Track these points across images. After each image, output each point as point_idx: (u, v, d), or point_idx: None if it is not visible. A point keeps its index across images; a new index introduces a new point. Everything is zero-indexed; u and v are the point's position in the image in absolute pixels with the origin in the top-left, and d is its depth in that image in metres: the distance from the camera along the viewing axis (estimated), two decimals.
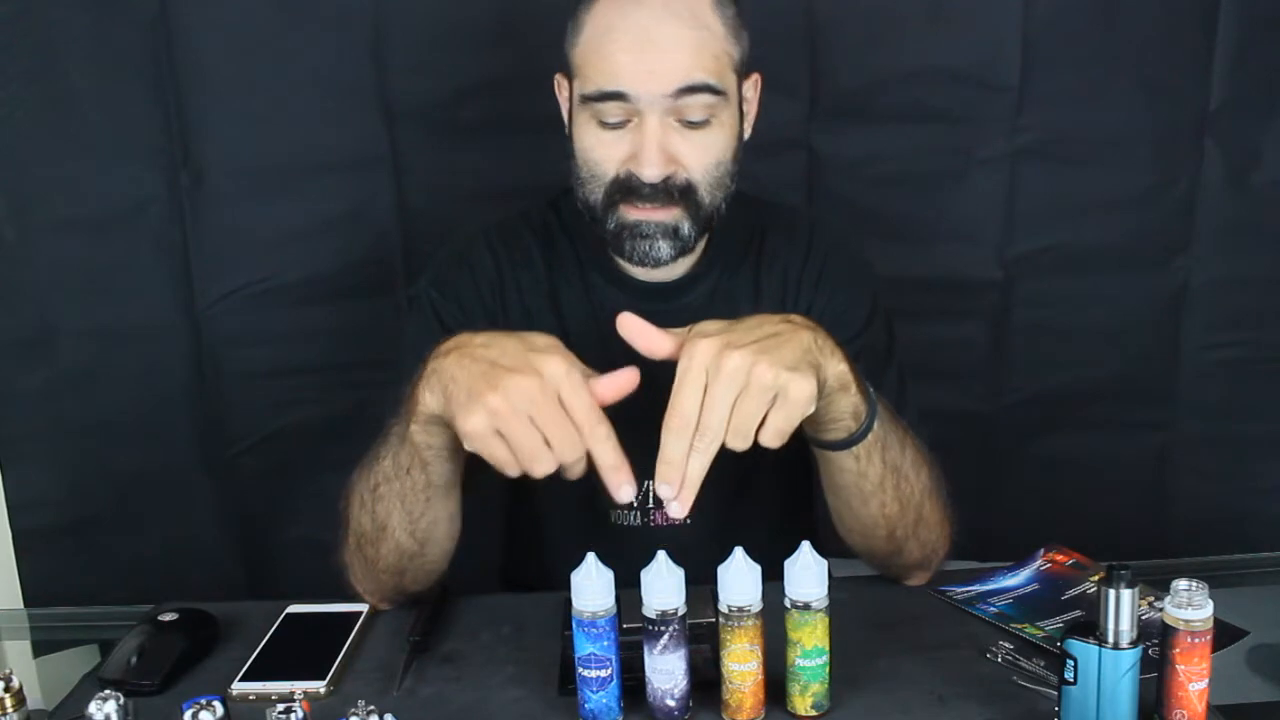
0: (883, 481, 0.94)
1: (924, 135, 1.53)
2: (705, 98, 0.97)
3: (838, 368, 0.85)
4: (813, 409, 0.82)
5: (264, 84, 1.47)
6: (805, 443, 1.14)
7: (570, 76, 1.03)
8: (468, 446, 0.83)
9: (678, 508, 0.80)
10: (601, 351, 1.10)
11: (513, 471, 0.81)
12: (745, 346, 0.79)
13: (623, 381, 0.83)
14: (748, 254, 1.12)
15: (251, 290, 1.52)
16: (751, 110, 1.08)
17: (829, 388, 0.85)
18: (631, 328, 0.85)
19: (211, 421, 1.55)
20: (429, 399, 0.85)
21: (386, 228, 1.54)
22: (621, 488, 0.81)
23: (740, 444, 0.80)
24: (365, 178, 1.52)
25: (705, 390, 0.78)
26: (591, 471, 1.13)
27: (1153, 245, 1.57)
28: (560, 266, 1.12)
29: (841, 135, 1.53)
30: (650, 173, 0.97)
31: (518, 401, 0.79)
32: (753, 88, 1.07)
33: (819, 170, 1.55)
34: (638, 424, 1.10)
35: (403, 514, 0.94)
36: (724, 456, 1.16)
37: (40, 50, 1.41)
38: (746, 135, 1.07)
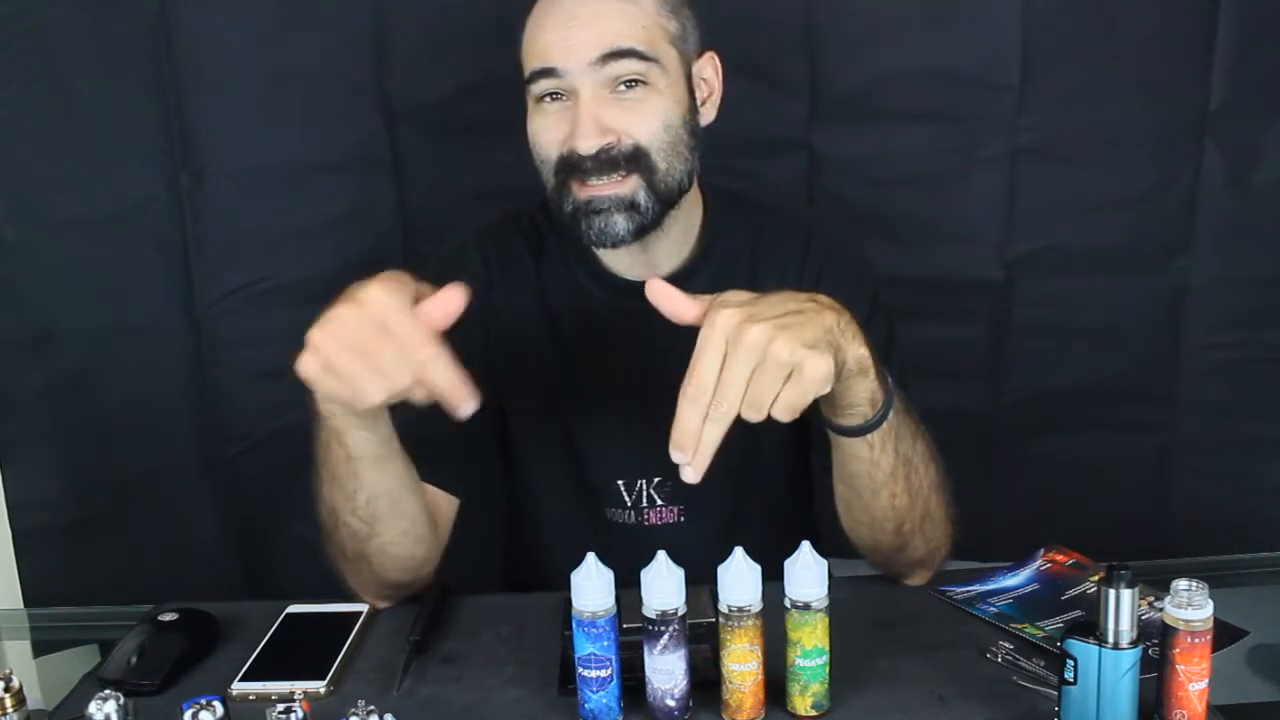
0: (894, 472, 0.94)
1: (924, 135, 1.53)
2: (633, 63, 0.98)
3: (858, 351, 0.85)
4: (828, 389, 0.82)
5: (264, 84, 1.47)
6: (806, 443, 1.15)
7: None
8: (314, 391, 0.83)
9: (691, 473, 0.80)
10: (591, 351, 1.10)
11: (357, 404, 0.81)
12: (767, 320, 0.79)
13: (448, 299, 0.82)
14: (743, 253, 1.12)
15: (251, 290, 1.52)
16: (714, 90, 1.08)
17: (848, 371, 0.85)
18: (659, 291, 0.84)
19: (211, 421, 1.55)
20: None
21: (386, 228, 1.54)
22: (461, 405, 0.80)
23: (754, 416, 0.80)
24: (365, 178, 1.52)
25: (724, 361, 0.78)
26: (583, 470, 1.13)
27: (1153, 245, 1.57)
28: (549, 267, 1.12)
29: (841, 135, 1.53)
30: (584, 144, 0.98)
31: (338, 334, 0.80)
32: (710, 66, 1.07)
33: (819, 170, 1.55)
34: (629, 425, 1.10)
35: (341, 494, 0.94)
36: (720, 452, 1.16)
37: (40, 50, 1.41)
38: (710, 116, 1.07)
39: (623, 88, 0.99)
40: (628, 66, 0.98)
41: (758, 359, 0.78)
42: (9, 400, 1.49)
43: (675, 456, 0.80)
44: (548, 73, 0.99)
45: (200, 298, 1.51)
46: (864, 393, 0.88)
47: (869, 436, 0.91)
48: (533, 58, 1.00)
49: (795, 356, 0.78)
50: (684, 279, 1.10)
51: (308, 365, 0.81)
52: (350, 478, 0.92)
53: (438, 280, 1.11)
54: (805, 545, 0.82)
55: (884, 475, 0.94)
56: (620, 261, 1.08)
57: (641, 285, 1.08)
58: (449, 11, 1.48)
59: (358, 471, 0.92)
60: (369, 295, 0.80)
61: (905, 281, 1.48)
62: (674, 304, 0.84)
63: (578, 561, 0.82)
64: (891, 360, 1.10)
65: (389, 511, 0.96)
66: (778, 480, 1.17)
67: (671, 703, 0.83)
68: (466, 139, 1.52)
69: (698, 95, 1.06)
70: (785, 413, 0.80)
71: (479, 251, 1.13)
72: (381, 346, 0.79)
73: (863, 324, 1.06)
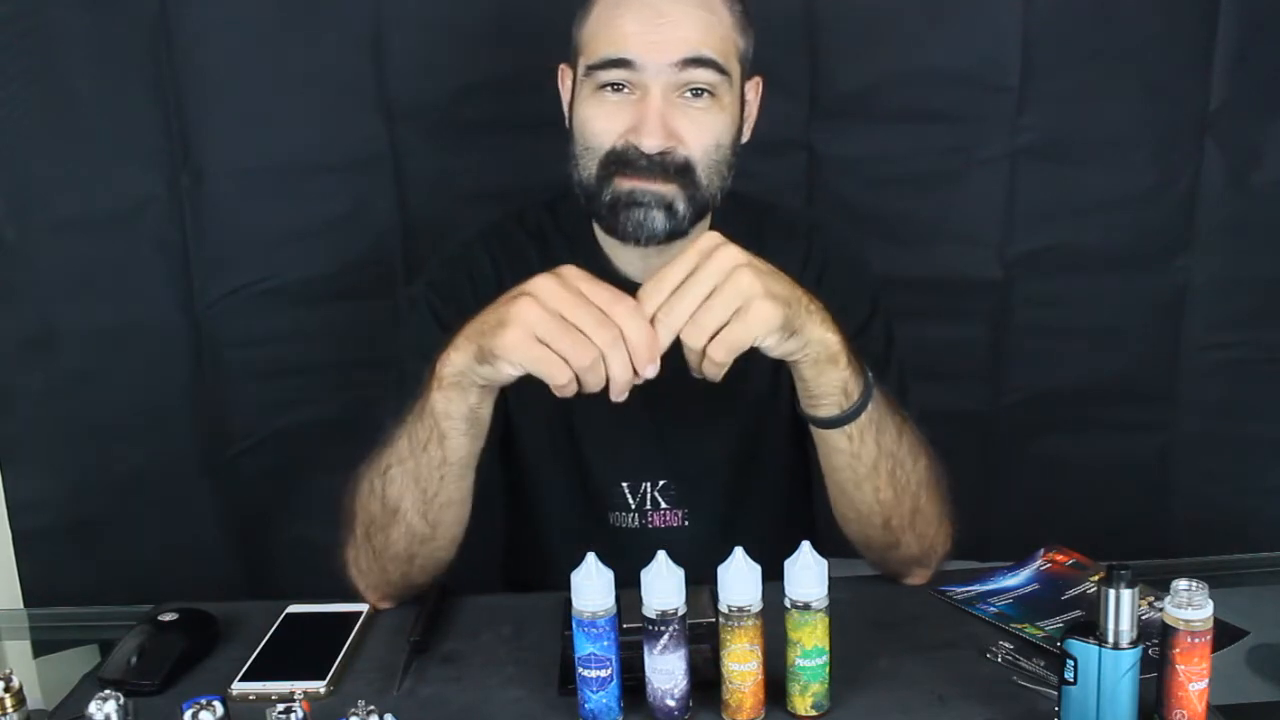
0: (876, 465, 0.94)
1: (924, 135, 1.53)
2: (709, 73, 0.98)
3: (824, 336, 0.87)
4: (770, 341, 0.84)
5: (264, 84, 1.47)
6: (805, 443, 1.15)
7: (576, 58, 1.03)
8: (512, 366, 0.83)
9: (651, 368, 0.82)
10: None
11: (563, 378, 0.81)
12: (745, 257, 0.83)
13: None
14: None
15: (251, 290, 1.52)
16: (752, 113, 1.08)
17: (813, 354, 0.87)
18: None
19: (211, 421, 1.55)
20: (455, 358, 0.87)
21: (386, 228, 1.54)
22: (647, 367, 0.81)
23: (695, 339, 0.82)
24: (365, 178, 1.52)
25: (691, 274, 0.82)
26: (587, 473, 1.14)
27: (1153, 245, 1.57)
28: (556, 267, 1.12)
29: (841, 135, 1.53)
30: (650, 143, 0.98)
31: (546, 300, 0.81)
32: (754, 89, 1.07)
33: (819, 170, 1.55)
34: (632, 428, 1.10)
35: (416, 494, 0.94)
36: (723, 455, 1.16)
37: (40, 50, 1.41)
38: (746, 137, 1.07)
39: (690, 95, 0.99)
40: (703, 76, 0.98)
41: (720, 280, 0.81)
42: (9, 400, 1.49)
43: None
44: (623, 63, 0.97)
45: (200, 298, 1.51)
46: (835, 382, 0.89)
47: (847, 428, 0.92)
48: (608, 44, 0.98)
49: (751, 291, 0.81)
50: None
51: (515, 336, 0.82)
52: (435, 481, 0.93)
53: (445, 280, 1.12)
54: (805, 545, 0.82)
55: (865, 468, 0.94)
56: (631, 264, 1.08)
57: None
58: (449, 11, 1.48)
59: (445, 476, 0.93)
60: (560, 270, 0.83)
61: (905, 281, 1.48)
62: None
63: (579, 562, 0.82)
64: (891, 362, 1.10)
65: (454, 519, 0.98)
66: (778, 481, 1.18)
67: (671, 703, 0.83)
68: (466, 139, 1.52)
69: (744, 111, 1.06)
70: (723, 350, 0.82)
71: (486, 251, 1.12)
72: (585, 308, 0.81)
73: (859, 331, 1.07)
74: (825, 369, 0.88)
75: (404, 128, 1.50)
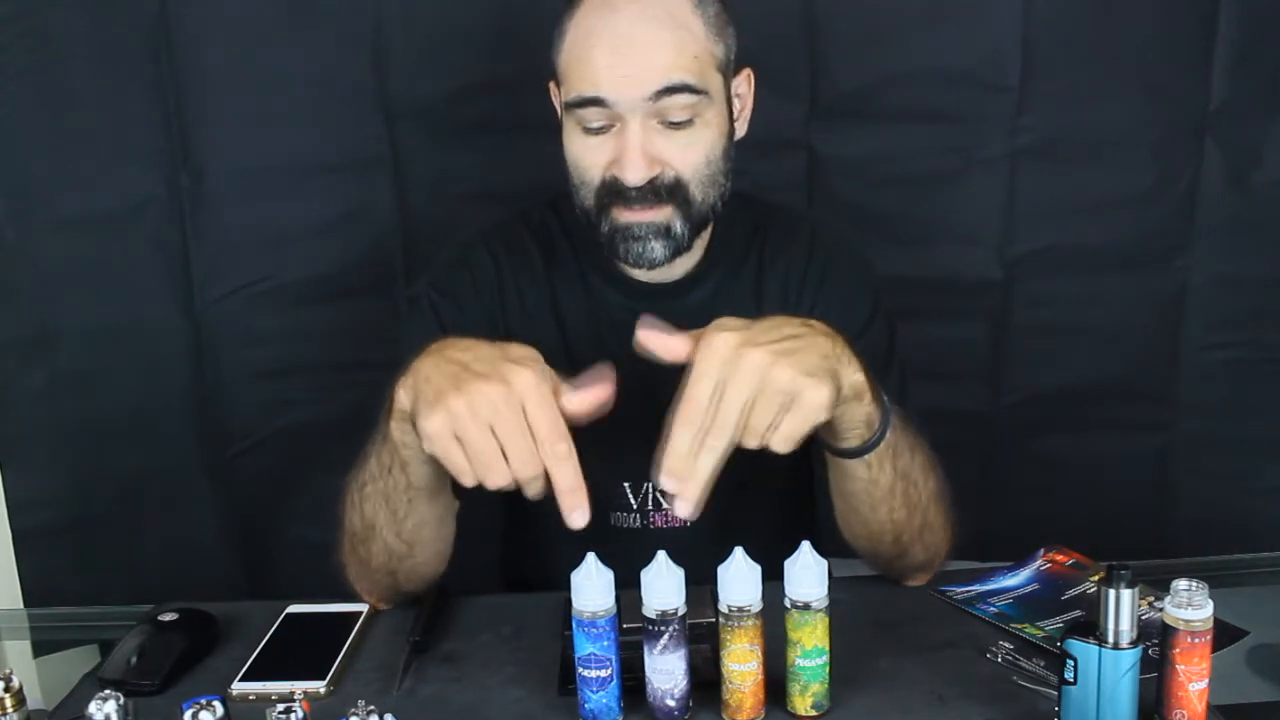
0: (892, 488, 0.94)
1: (924, 135, 1.53)
2: (685, 98, 0.97)
3: (854, 377, 0.85)
4: (827, 417, 0.81)
5: (264, 84, 1.47)
6: (806, 443, 1.15)
7: (557, 82, 1.03)
8: (426, 448, 0.82)
9: (683, 506, 0.79)
10: (599, 352, 1.10)
11: (467, 480, 0.80)
12: (764, 346, 0.78)
13: (594, 395, 0.81)
14: (749, 254, 1.12)
15: (251, 290, 1.52)
16: (746, 105, 1.07)
17: (844, 396, 0.85)
18: (648, 339, 0.83)
19: (211, 421, 1.55)
20: (403, 396, 0.85)
21: (386, 228, 1.54)
22: (574, 512, 0.79)
23: (752, 442, 0.79)
24: (365, 178, 1.52)
25: (721, 386, 0.77)
26: (588, 472, 1.14)
27: (1153, 245, 1.57)
28: (559, 268, 1.12)
29: (841, 135, 1.53)
30: (632, 177, 0.97)
31: (480, 408, 0.78)
32: (745, 83, 1.07)
33: (819, 170, 1.55)
34: (636, 426, 1.10)
35: (388, 514, 0.94)
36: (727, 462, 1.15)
37: (40, 50, 1.41)
38: (741, 131, 1.07)
39: (672, 121, 0.98)
40: (680, 101, 0.97)
41: (756, 385, 0.77)
42: (9, 400, 1.49)
43: (665, 484, 0.79)
44: (596, 102, 0.97)
45: (200, 297, 1.51)
46: (860, 416, 0.88)
47: (867, 457, 0.91)
48: (580, 81, 0.97)
49: (795, 384, 0.78)
50: (693, 283, 1.10)
51: (436, 425, 0.79)
52: (403, 504, 0.93)
53: (447, 280, 1.12)
54: (805, 545, 0.82)
55: (882, 492, 0.94)
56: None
57: (654, 288, 1.09)
58: (449, 11, 1.48)
59: (412, 499, 0.93)
60: (518, 378, 0.78)
61: (905, 281, 1.48)
62: (665, 345, 0.82)
63: (579, 562, 0.82)
64: (893, 363, 1.10)
65: (430, 537, 0.97)
66: (780, 481, 1.17)
67: (671, 703, 0.83)
68: (466, 139, 1.52)
69: (733, 112, 1.05)
70: (784, 443, 0.80)
71: (488, 251, 1.12)
72: (518, 434, 0.78)
73: (861, 331, 1.06)
74: (853, 407, 0.87)
75: (404, 128, 1.51)
